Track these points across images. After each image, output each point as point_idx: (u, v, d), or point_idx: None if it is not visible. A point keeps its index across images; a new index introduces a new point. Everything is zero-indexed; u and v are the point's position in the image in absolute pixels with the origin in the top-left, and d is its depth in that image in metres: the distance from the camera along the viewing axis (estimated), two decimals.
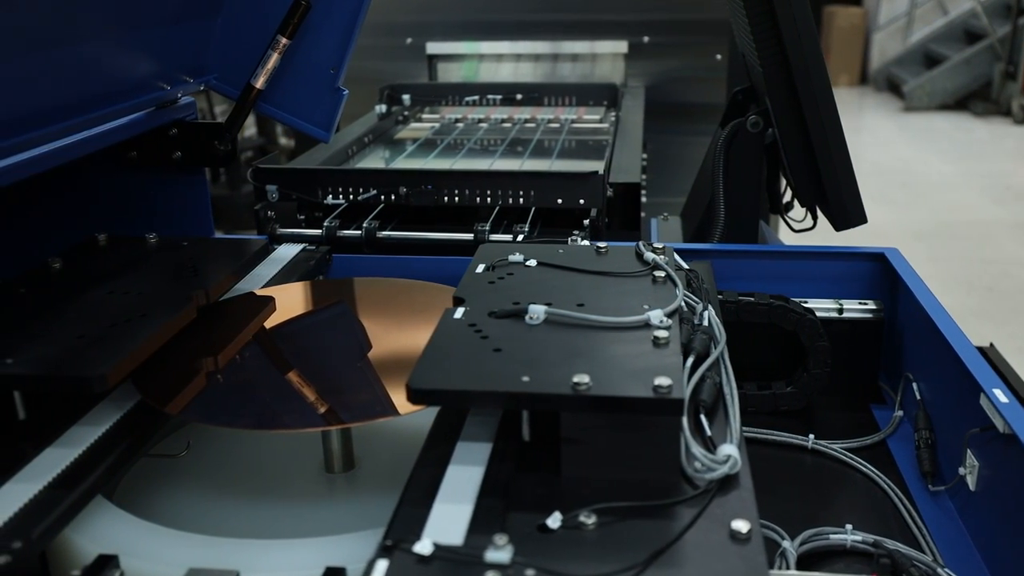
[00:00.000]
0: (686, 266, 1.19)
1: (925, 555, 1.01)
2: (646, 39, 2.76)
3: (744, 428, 1.24)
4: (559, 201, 1.52)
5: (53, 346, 0.96)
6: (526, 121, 2.35)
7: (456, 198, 1.55)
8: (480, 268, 1.14)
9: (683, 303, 1.04)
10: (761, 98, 1.56)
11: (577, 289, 1.07)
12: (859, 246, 1.40)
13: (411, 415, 0.98)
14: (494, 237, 1.54)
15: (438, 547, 0.73)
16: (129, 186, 1.46)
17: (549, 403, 0.83)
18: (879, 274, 1.38)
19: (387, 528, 0.77)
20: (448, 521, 0.77)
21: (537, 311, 0.97)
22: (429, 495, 0.81)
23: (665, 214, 1.84)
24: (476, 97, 2.49)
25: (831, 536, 1.03)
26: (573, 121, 2.36)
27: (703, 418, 0.88)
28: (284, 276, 1.36)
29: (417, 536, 0.74)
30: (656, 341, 0.92)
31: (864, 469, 1.18)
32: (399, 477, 1.08)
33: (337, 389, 1.06)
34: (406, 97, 2.46)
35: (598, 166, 1.83)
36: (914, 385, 1.25)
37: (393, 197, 1.55)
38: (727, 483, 0.81)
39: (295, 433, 1.16)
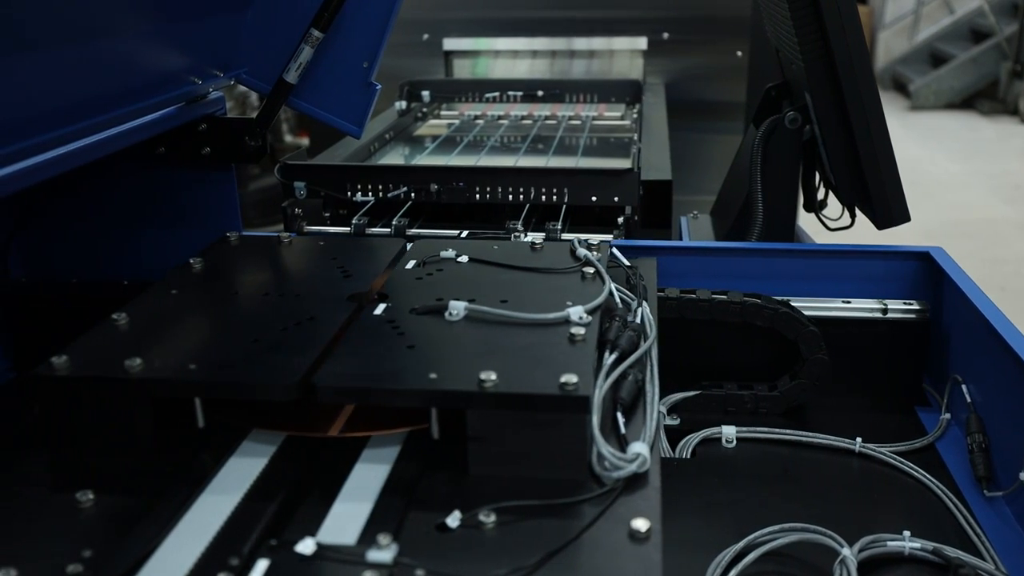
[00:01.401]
0: (627, 263, 1.18)
1: (987, 563, 0.98)
2: (666, 35, 2.73)
3: (789, 431, 1.23)
4: (593, 199, 1.50)
5: (231, 351, 0.91)
6: (546, 118, 2.33)
7: (488, 195, 1.52)
8: (410, 264, 1.13)
9: (618, 300, 1.04)
10: (798, 93, 1.53)
11: (505, 286, 1.06)
12: (901, 245, 1.37)
13: None
14: (531, 236, 1.51)
15: (321, 547, 0.73)
16: (156, 182, 1.43)
17: (455, 400, 0.82)
18: (922, 273, 1.35)
19: (271, 527, 0.77)
20: (345, 520, 0.77)
21: (457, 307, 0.96)
22: (327, 493, 0.81)
23: (695, 212, 1.82)
24: (496, 93, 2.46)
25: (888, 543, 1.00)
26: (594, 118, 2.33)
27: (620, 416, 0.87)
28: None
29: (311, 536, 0.74)
30: (572, 338, 0.91)
31: (915, 473, 1.15)
32: None
33: None
34: (425, 93, 2.43)
35: (626, 163, 1.81)
36: (963, 387, 1.22)
37: (423, 194, 1.52)
38: (635, 482, 0.80)
39: None
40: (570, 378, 0.82)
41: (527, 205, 1.59)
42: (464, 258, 1.15)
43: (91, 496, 0.80)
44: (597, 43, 2.81)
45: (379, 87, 1.40)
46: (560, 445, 0.83)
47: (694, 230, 1.74)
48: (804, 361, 1.27)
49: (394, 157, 2.01)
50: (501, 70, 2.89)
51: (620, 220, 1.51)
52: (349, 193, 1.54)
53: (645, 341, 0.99)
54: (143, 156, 1.38)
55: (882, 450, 1.20)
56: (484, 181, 1.51)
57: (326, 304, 1.03)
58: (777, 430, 1.24)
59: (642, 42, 2.74)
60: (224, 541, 0.75)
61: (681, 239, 1.74)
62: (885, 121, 1.33)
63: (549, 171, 1.52)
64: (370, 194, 1.54)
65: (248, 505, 0.80)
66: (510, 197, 1.52)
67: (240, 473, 0.85)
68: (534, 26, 2.82)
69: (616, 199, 1.49)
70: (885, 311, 1.31)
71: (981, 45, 7.75)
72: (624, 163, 1.85)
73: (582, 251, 1.14)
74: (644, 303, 1.07)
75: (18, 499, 0.82)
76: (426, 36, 2.84)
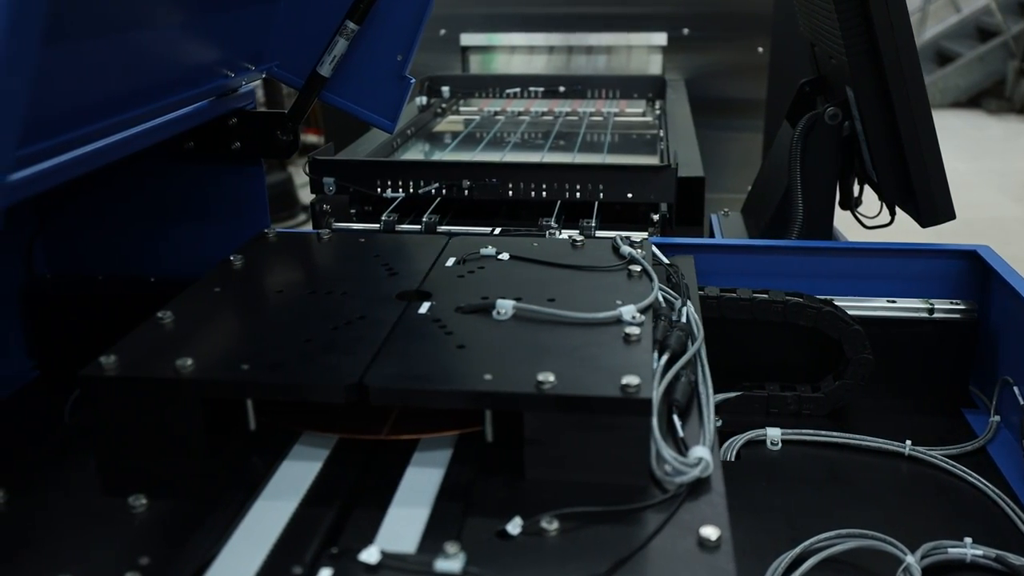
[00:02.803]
0: (666, 261, 1.15)
1: None
2: (686, 31, 2.70)
3: (836, 434, 1.21)
4: (628, 195, 1.47)
5: (283, 352, 0.87)
6: (568, 114, 2.30)
7: (521, 192, 1.49)
8: (450, 261, 1.10)
9: (661, 299, 1.01)
10: (836, 89, 1.51)
11: (550, 284, 1.03)
12: (946, 243, 1.34)
13: None
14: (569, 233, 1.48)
15: (386, 555, 0.69)
16: (184, 177, 1.40)
17: (512, 403, 0.79)
18: (968, 272, 1.32)
19: (330, 534, 0.74)
20: (402, 527, 0.74)
21: (505, 306, 0.93)
22: (382, 498, 0.78)
23: (726, 210, 1.79)
24: (518, 89, 2.43)
25: (950, 550, 0.98)
26: (616, 114, 2.30)
27: (676, 419, 0.85)
28: None
29: (369, 543, 0.71)
30: (627, 338, 0.88)
31: (968, 477, 1.13)
32: None
33: None
34: (445, 89, 2.40)
35: (654, 160, 1.78)
36: (1015, 389, 1.19)
37: (455, 190, 1.49)
38: (698, 487, 0.78)
39: None
40: (631, 380, 0.79)
41: (558, 202, 1.56)
42: (505, 255, 1.12)
43: (144, 501, 0.77)
44: (615, 39, 2.78)
45: (413, 81, 1.37)
46: (620, 449, 0.80)
47: (726, 228, 1.71)
48: (848, 361, 1.24)
49: (416, 153, 1.98)
50: (517, 66, 2.86)
51: (655, 217, 1.49)
52: (379, 189, 1.51)
53: (693, 341, 0.96)
54: (171, 151, 1.35)
55: (932, 453, 1.18)
56: (517, 177, 1.48)
57: (375, 303, 0.99)
58: (823, 432, 1.21)
59: (662, 38, 2.71)
60: (285, 548, 0.72)
61: (713, 237, 1.71)
62: (931, 115, 1.30)
63: (584, 167, 1.49)
64: (400, 190, 1.51)
65: (306, 511, 0.77)
66: (544, 194, 1.49)
67: (295, 477, 0.82)
68: (551, 21, 2.79)
69: (652, 196, 1.46)
70: (931, 311, 1.29)
71: (988, 44, 7.72)
72: (653, 160, 1.83)
73: (626, 249, 1.11)
74: (688, 302, 1.04)
75: (66, 503, 0.79)
76: (443, 31, 2.81)
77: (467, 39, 2.82)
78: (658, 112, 2.32)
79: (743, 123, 2.71)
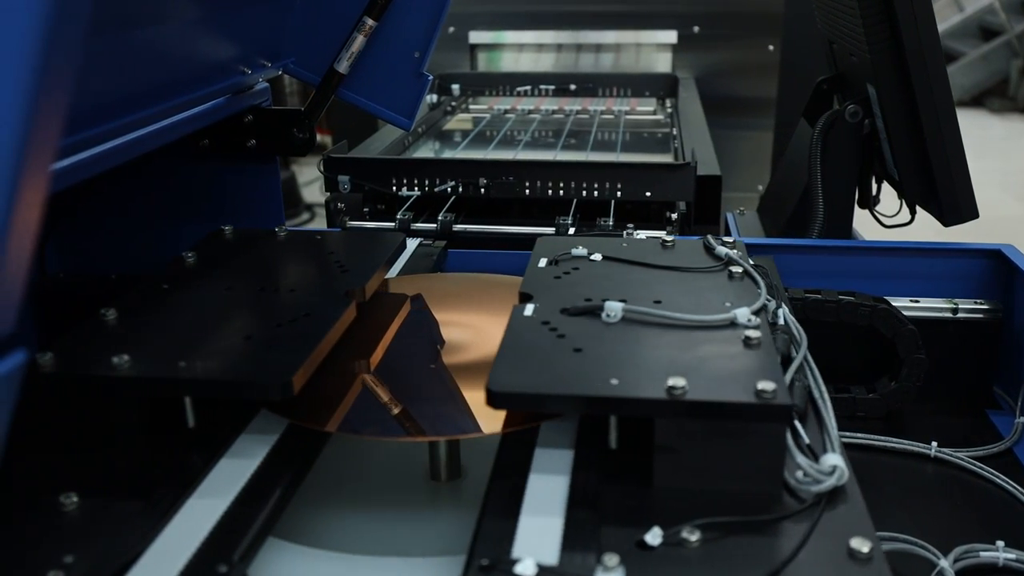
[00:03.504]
0: (751, 261, 1.12)
1: None
2: (696, 29, 2.69)
3: (860, 435, 1.19)
4: (647, 194, 1.45)
5: (222, 349, 0.87)
6: (578, 112, 2.28)
7: (539, 190, 1.48)
8: (543, 262, 1.08)
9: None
10: (856, 87, 1.49)
11: (649, 285, 1.00)
12: (969, 242, 1.33)
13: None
14: (575, 231, 1.47)
15: (542, 568, 0.66)
16: (198, 175, 1.39)
17: (642, 408, 0.77)
18: (991, 272, 1.31)
19: (472, 544, 0.70)
20: (538, 537, 0.71)
21: (614, 308, 0.91)
22: (512, 507, 0.75)
23: (741, 208, 1.78)
24: (528, 87, 2.42)
25: (981, 554, 0.96)
26: (627, 112, 2.29)
27: (798, 425, 0.82)
28: (409, 271, 1.29)
29: (506, 552, 0.68)
30: (748, 341, 0.85)
31: (996, 479, 1.11)
32: None
33: (450, 395, 0.99)
34: (455, 87, 2.38)
35: (668, 159, 1.77)
36: None
37: (471, 188, 1.48)
38: (834, 496, 0.74)
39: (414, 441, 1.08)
40: (767, 385, 0.75)
41: (574, 200, 1.55)
42: (597, 256, 1.10)
43: (75, 499, 0.75)
44: (624, 36, 2.77)
45: (431, 78, 1.36)
46: (754, 457, 0.77)
47: (742, 226, 1.69)
48: (900, 361, 1.22)
49: (427, 151, 1.97)
50: (525, 64, 2.85)
51: (674, 216, 1.47)
52: (394, 187, 1.50)
53: (796, 344, 0.93)
54: (185, 148, 1.34)
55: (959, 455, 1.16)
56: (534, 176, 1.47)
57: (322, 300, 0.99)
58: (847, 433, 1.20)
59: (671, 36, 2.70)
60: (213, 546, 0.70)
61: (729, 235, 1.70)
62: (955, 113, 1.29)
63: (602, 165, 1.48)
64: (416, 188, 1.50)
65: (239, 508, 0.75)
66: (561, 192, 1.47)
67: (232, 475, 0.80)
68: (560, 19, 2.78)
69: (671, 194, 1.45)
70: (955, 310, 1.27)
71: (991, 43, 7.71)
72: (667, 158, 1.82)
73: (722, 249, 1.09)
74: (783, 304, 1.00)
75: None
76: (452, 29, 2.80)
77: (476, 37, 2.81)
78: (669, 110, 2.31)
79: (753, 122, 2.69)
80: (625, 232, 1.39)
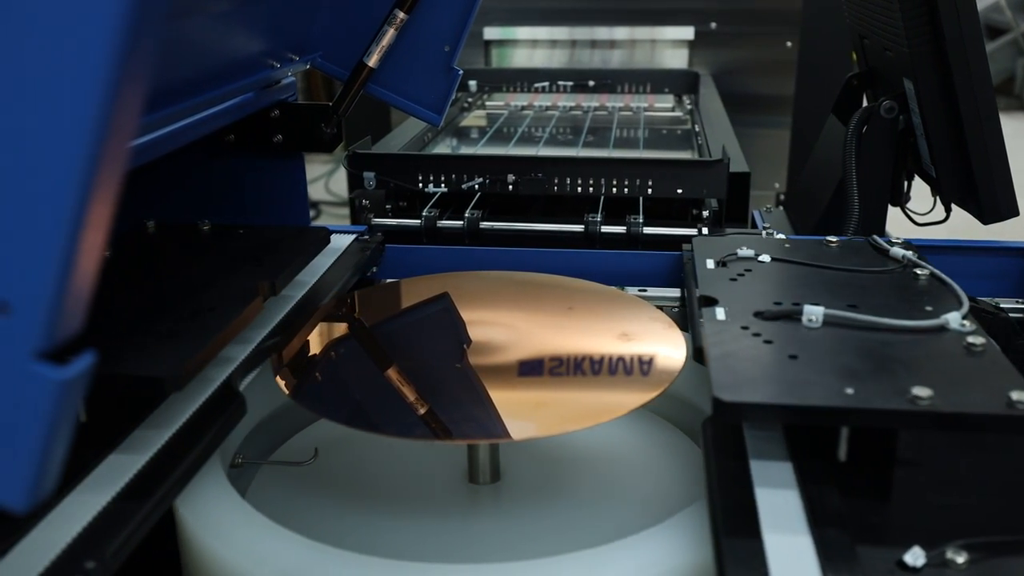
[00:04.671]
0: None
1: None
2: (713, 25, 2.66)
3: None
4: (679, 191, 1.43)
5: (120, 343, 0.86)
6: (596, 109, 2.26)
7: (567, 187, 1.45)
8: (710, 263, 1.05)
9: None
10: (889, 82, 1.47)
11: (832, 288, 0.97)
12: (1008, 240, 1.31)
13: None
14: (605, 229, 1.45)
15: None
16: (222, 171, 1.37)
17: (886, 420, 0.72)
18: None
19: (719, 565, 0.67)
20: (791, 557, 0.66)
21: (815, 312, 0.87)
22: (747, 525, 0.71)
23: (768, 206, 1.75)
24: (546, 83, 2.39)
25: None
26: (645, 109, 2.26)
27: None
28: (340, 267, 1.26)
29: (759, 573, 0.64)
30: (971, 348, 0.81)
31: None
32: (545, 490, 1.00)
33: (485, 397, 0.96)
34: (472, 83, 2.36)
35: (692, 155, 1.75)
36: None
37: (499, 185, 1.46)
38: None
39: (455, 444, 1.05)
40: (1022, 396, 0.72)
41: (601, 197, 1.52)
42: (765, 257, 1.07)
43: None
44: (640, 33, 2.74)
45: (460, 72, 1.33)
46: (1008, 469, 0.75)
47: (771, 224, 1.67)
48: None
49: (445, 148, 1.94)
50: (539, 60, 2.82)
51: (705, 214, 1.45)
52: (420, 184, 1.48)
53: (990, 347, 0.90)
54: (210, 144, 1.31)
55: None
56: (564, 172, 1.44)
57: (228, 295, 0.98)
58: None
59: (688, 32, 2.67)
60: (86, 543, 0.68)
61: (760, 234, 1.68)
62: (996, 108, 1.26)
63: (634, 162, 1.45)
64: (442, 185, 1.47)
65: (120, 504, 0.73)
66: (591, 189, 1.45)
67: (118, 470, 0.78)
68: (575, 15, 2.75)
69: (704, 191, 1.43)
70: (997, 308, 1.25)
71: (996, 41, 7.68)
72: (691, 155, 1.79)
73: (898, 250, 1.06)
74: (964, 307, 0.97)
75: None
76: None
77: (490, 33, 2.78)
78: (689, 107, 2.28)
79: (770, 119, 2.67)
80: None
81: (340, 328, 1.12)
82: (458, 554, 0.92)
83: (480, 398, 0.95)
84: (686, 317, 1.28)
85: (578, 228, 1.45)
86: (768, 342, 0.84)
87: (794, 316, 0.88)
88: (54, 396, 0.43)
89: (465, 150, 1.91)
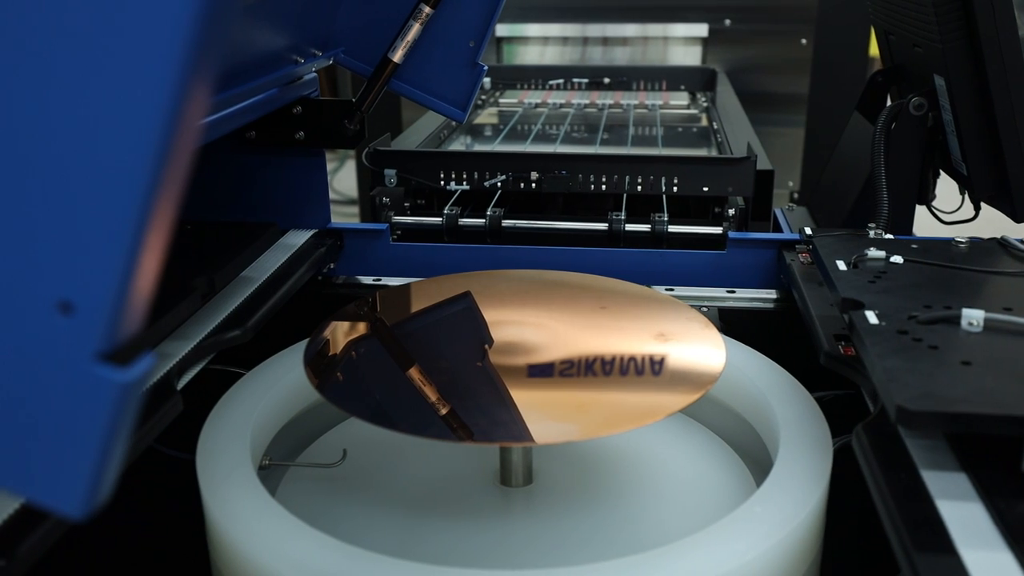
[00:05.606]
0: None
1: None
2: (728, 22, 2.64)
3: None
4: (704, 189, 1.41)
5: None
6: (611, 106, 2.24)
7: (591, 185, 1.43)
8: (841, 265, 1.03)
9: None
10: (917, 79, 1.45)
11: (979, 290, 0.95)
12: None
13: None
14: (629, 227, 1.43)
15: None
16: (242, 169, 1.35)
17: None
18: None
19: None
20: (993, 574, 0.63)
21: (975, 316, 0.85)
22: (936, 539, 0.67)
23: (791, 204, 1.74)
24: (561, 80, 2.37)
25: None
26: (660, 106, 2.24)
27: None
28: (291, 264, 1.25)
29: None
30: None
31: None
32: (577, 492, 0.98)
33: (520, 399, 0.94)
34: (487, 80, 2.34)
35: (712, 152, 1.73)
36: None
37: (522, 183, 1.44)
38: None
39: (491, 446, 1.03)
40: None
41: (624, 195, 1.50)
42: (897, 258, 1.05)
43: None
44: (652, 30, 2.72)
45: (485, 68, 1.31)
46: None
47: (793, 223, 1.65)
48: None
49: (460, 146, 1.92)
50: (551, 57, 2.80)
51: (731, 212, 1.43)
52: (442, 181, 1.46)
53: None
54: (231, 141, 1.29)
55: None
56: (588, 169, 1.42)
57: (164, 292, 0.96)
58: None
59: (702, 29, 2.65)
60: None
61: (782, 231, 1.66)
62: None
63: (660, 159, 1.43)
64: (464, 182, 1.45)
65: None
66: (615, 186, 1.43)
67: None
68: (588, 12, 2.73)
69: (731, 189, 1.41)
70: None
71: None
72: (710, 152, 1.77)
73: None
74: None
75: None
76: None
77: (502, 30, 2.76)
78: (704, 104, 2.26)
79: (784, 117, 2.65)
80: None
81: (370, 327, 1.10)
82: (492, 558, 0.90)
83: (514, 400, 0.93)
84: (718, 317, 1.27)
85: (601, 226, 1.43)
86: (933, 347, 0.82)
87: (952, 320, 0.86)
88: (116, 399, 0.41)
89: (479, 147, 1.89)
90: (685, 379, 0.93)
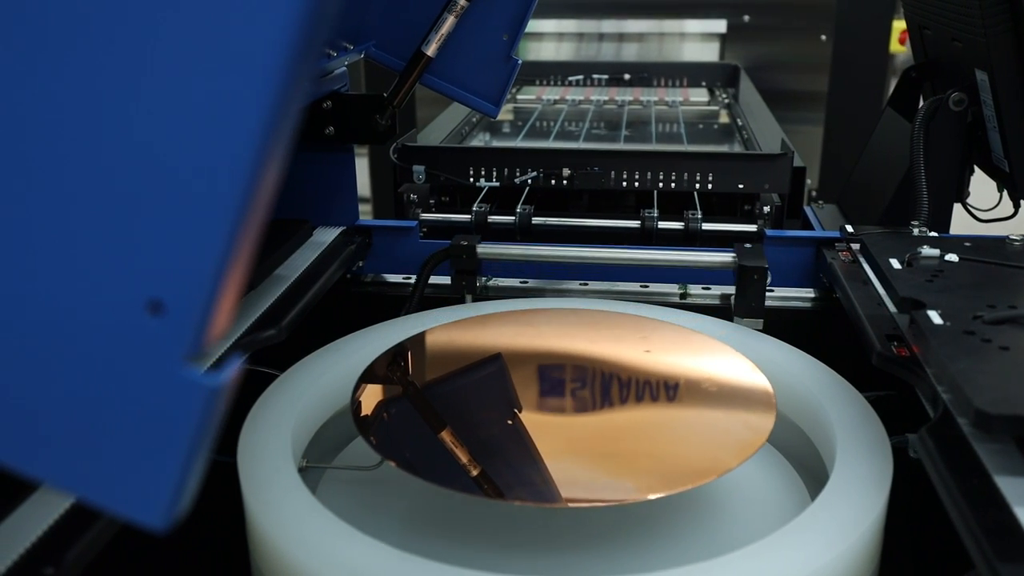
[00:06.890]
0: None
1: None
2: (746, 18, 2.62)
3: None
4: (740, 186, 1.39)
5: None
6: (631, 102, 2.21)
7: (623, 181, 1.41)
8: (895, 263, 1.01)
9: None
10: (959, 73, 1.43)
11: None
12: None
13: None
14: (662, 225, 1.40)
15: None
16: None
17: None
18: None
19: None
20: None
21: None
22: (1019, 548, 0.65)
23: (820, 201, 1.71)
24: (580, 76, 2.34)
25: None
26: (681, 103, 2.22)
27: None
28: (321, 262, 1.23)
29: None
30: None
31: None
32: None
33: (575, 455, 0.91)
34: None
35: (737, 148, 1.70)
36: None
37: (554, 180, 1.41)
38: None
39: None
40: None
41: (654, 192, 1.48)
42: (952, 257, 1.03)
43: None
44: (668, 26, 2.69)
45: (519, 62, 1.28)
46: None
47: (824, 220, 1.63)
48: None
49: (479, 143, 1.90)
50: (565, 53, 2.77)
51: (767, 209, 1.41)
52: (471, 178, 1.43)
53: None
54: None
55: None
56: (621, 165, 1.40)
57: None
58: None
59: (721, 25, 2.62)
60: (45, 547, 0.64)
61: (812, 229, 1.63)
62: None
63: (694, 155, 1.41)
64: (494, 179, 1.43)
65: (80, 508, 0.69)
66: (648, 184, 1.41)
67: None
68: (604, 8, 2.70)
69: (767, 185, 1.38)
70: None
71: None
72: (735, 148, 1.75)
73: None
74: None
75: None
76: None
77: None
78: (725, 101, 2.24)
79: (802, 115, 2.62)
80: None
81: (408, 387, 1.06)
82: (535, 564, 0.88)
83: (569, 456, 0.91)
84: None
85: (634, 224, 1.41)
86: (1004, 348, 0.80)
87: (1019, 320, 0.84)
88: (204, 405, 0.38)
89: (497, 144, 1.87)
90: (739, 432, 0.91)
